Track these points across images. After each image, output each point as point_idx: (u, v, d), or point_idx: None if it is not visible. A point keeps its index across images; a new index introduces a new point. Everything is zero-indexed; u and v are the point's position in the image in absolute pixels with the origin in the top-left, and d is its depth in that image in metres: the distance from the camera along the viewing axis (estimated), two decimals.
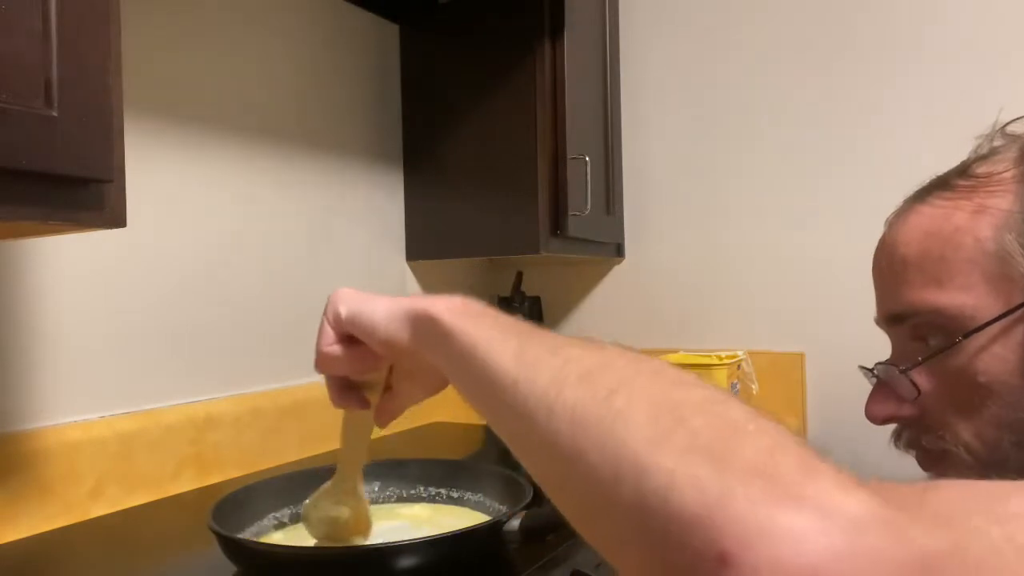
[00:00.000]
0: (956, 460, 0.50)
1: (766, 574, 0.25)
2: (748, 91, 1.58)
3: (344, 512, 0.66)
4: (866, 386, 0.60)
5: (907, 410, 0.53)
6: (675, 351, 1.59)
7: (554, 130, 1.41)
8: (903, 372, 0.52)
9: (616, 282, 1.73)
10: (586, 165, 1.43)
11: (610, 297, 1.73)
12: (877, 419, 0.55)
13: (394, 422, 0.61)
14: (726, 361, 1.40)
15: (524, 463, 0.38)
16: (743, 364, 1.47)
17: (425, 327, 0.48)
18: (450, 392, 0.51)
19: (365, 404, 0.58)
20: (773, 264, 1.56)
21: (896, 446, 0.57)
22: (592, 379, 0.35)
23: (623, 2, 1.68)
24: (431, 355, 0.48)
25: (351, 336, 0.54)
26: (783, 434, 0.30)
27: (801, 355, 1.52)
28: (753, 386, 1.47)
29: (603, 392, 0.33)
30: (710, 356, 1.45)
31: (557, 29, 1.40)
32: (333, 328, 0.55)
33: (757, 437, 0.29)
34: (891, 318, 0.55)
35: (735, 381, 1.44)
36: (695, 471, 0.28)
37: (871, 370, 0.58)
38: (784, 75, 1.55)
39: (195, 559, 0.83)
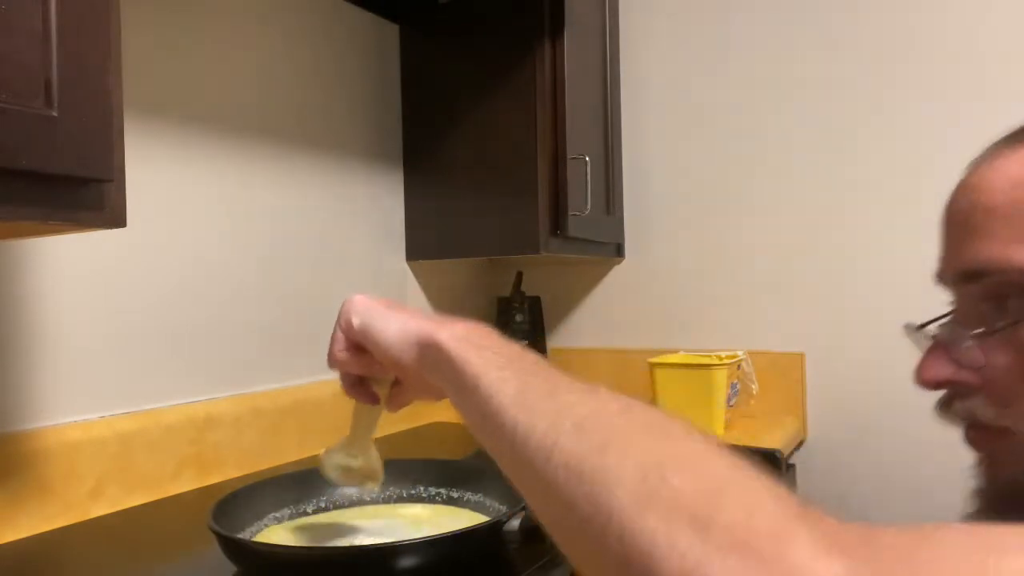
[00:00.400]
0: (1016, 444, 0.45)
1: None
2: (748, 91, 1.58)
3: (356, 461, 0.71)
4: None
5: (968, 377, 0.47)
6: (675, 351, 1.59)
7: (554, 130, 1.41)
8: (976, 337, 0.46)
9: (616, 282, 1.73)
10: (586, 165, 1.43)
11: (610, 297, 1.73)
12: (930, 383, 0.49)
13: (396, 420, 0.65)
14: (726, 361, 1.40)
15: (521, 494, 0.40)
16: (743, 364, 1.47)
17: (431, 354, 0.49)
18: None
19: (375, 399, 0.63)
20: (773, 264, 1.56)
21: (941, 415, 0.50)
22: (586, 431, 0.36)
23: (623, 2, 1.68)
24: (436, 380, 0.50)
25: (361, 344, 0.56)
26: (764, 490, 0.31)
27: (801, 355, 1.52)
28: (753, 386, 1.47)
29: (596, 445, 0.35)
30: (710, 356, 1.45)
31: (557, 29, 1.40)
32: (345, 335, 0.57)
33: (738, 496, 0.30)
34: (963, 274, 0.47)
35: (735, 381, 1.44)
36: (676, 537, 0.29)
37: (921, 328, 0.52)
38: (784, 75, 1.55)
39: (195, 559, 0.83)
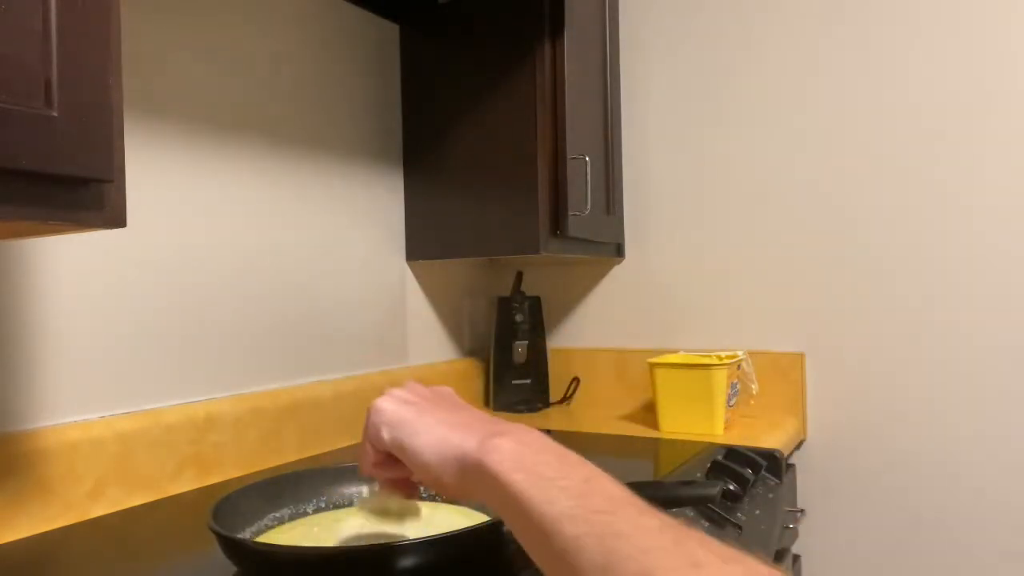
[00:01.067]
0: None
1: None
2: (748, 91, 1.58)
3: (392, 505, 0.68)
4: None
5: None
6: (675, 351, 1.59)
7: (554, 130, 1.41)
8: None
9: (616, 282, 1.73)
10: (586, 165, 1.43)
11: (610, 297, 1.73)
12: None
13: None
14: (726, 361, 1.40)
15: None
16: (743, 364, 1.47)
17: (477, 478, 0.46)
18: None
19: (415, 493, 0.63)
20: (773, 264, 1.56)
21: None
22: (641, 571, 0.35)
23: (623, 2, 1.68)
24: (486, 502, 0.47)
25: (393, 456, 0.54)
26: None
27: (801, 355, 1.52)
28: (753, 386, 1.47)
29: None
30: (710, 356, 1.45)
31: (557, 29, 1.40)
32: (376, 448, 0.54)
33: None
34: None
35: (735, 381, 1.44)
36: None
37: None
38: (784, 75, 1.55)
39: (195, 559, 0.83)
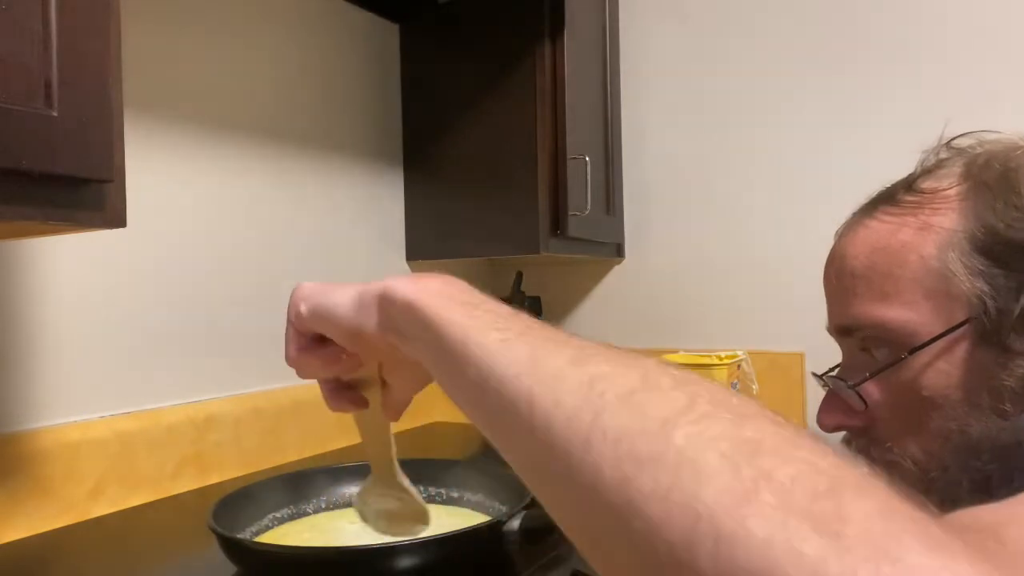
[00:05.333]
0: (903, 471, 0.51)
1: None
2: (748, 91, 1.58)
3: (392, 504, 0.61)
4: None
5: (856, 420, 0.54)
6: (675, 351, 1.59)
7: (554, 130, 1.41)
8: (851, 387, 0.53)
9: (616, 282, 1.73)
10: (586, 165, 1.43)
11: (610, 297, 1.73)
12: (827, 428, 0.56)
13: (395, 423, 0.57)
14: (726, 361, 1.40)
15: (547, 504, 0.30)
16: (743, 364, 1.47)
17: (399, 315, 0.39)
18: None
19: (362, 404, 0.52)
20: (773, 264, 1.56)
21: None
22: (636, 404, 0.28)
23: (623, 2, 1.68)
24: (407, 348, 0.40)
25: (320, 335, 0.47)
26: (879, 485, 0.24)
27: (801, 355, 1.52)
28: (753, 386, 1.47)
29: (655, 422, 0.26)
30: (710, 356, 1.45)
31: (557, 29, 1.40)
32: (298, 329, 0.47)
33: (859, 496, 0.24)
34: (840, 329, 0.56)
35: (735, 381, 1.44)
36: (801, 544, 0.22)
37: (821, 378, 0.59)
38: (784, 75, 1.55)
39: (195, 559, 0.83)
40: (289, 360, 0.48)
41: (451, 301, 0.37)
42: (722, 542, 0.23)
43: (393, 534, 0.63)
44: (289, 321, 0.47)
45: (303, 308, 0.46)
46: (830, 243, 0.60)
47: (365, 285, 0.43)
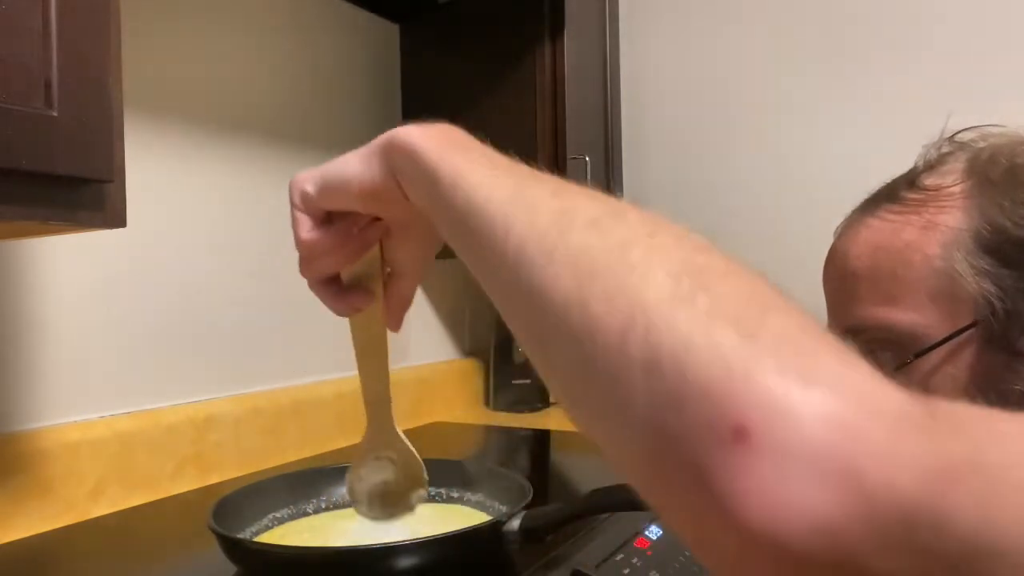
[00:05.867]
0: None
1: (790, 458, 0.22)
2: (748, 91, 1.58)
3: (389, 472, 0.58)
4: None
5: None
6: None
7: (554, 130, 1.41)
8: None
9: None
10: (586, 165, 1.43)
11: None
12: None
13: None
14: None
15: (511, 319, 0.33)
16: None
17: (403, 160, 0.41)
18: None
19: (368, 298, 0.51)
20: (773, 265, 1.55)
21: None
22: (602, 228, 0.30)
23: (623, 2, 1.68)
24: (413, 193, 0.41)
25: (328, 217, 0.46)
26: (810, 318, 0.27)
27: None
28: None
29: (614, 242, 0.29)
30: None
31: (557, 29, 1.40)
32: (305, 211, 0.46)
33: (786, 313, 0.27)
34: (843, 331, 0.54)
35: None
36: (719, 336, 0.24)
37: None
38: (785, 75, 1.55)
39: (195, 559, 0.83)
40: (300, 244, 0.47)
41: (449, 144, 0.40)
42: (651, 331, 0.25)
43: (389, 516, 0.59)
44: (294, 206, 0.46)
45: (309, 187, 0.45)
46: (830, 243, 0.59)
47: (368, 144, 0.44)
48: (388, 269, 0.51)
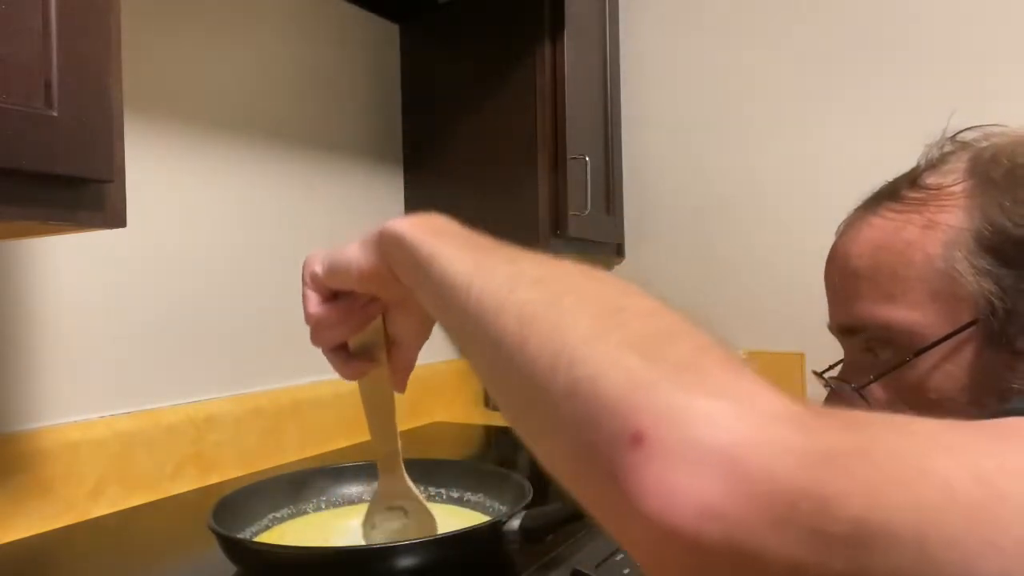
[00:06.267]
0: None
1: (676, 455, 0.26)
2: (748, 91, 1.58)
3: (401, 521, 0.64)
4: None
5: None
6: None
7: (554, 130, 1.41)
8: (855, 390, 0.52)
9: None
10: (586, 165, 1.43)
11: None
12: None
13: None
14: None
15: (471, 362, 0.40)
16: None
17: (390, 245, 0.47)
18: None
19: (372, 364, 0.57)
20: (773, 264, 1.56)
21: None
22: (544, 284, 0.36)
23: (623, 2, 1.68)
24: (399, 272, 0.47)
25: (335, 294, 0.53)
26: (716, 343, 0.31)
27: (801, 355, 1.52)
28: None
29: (552, 295, 0.35)
30: None
31: (557, 29, 1.40)
32: (314, 289, 0.53)
33: (689, 340, 0.31)
34: (844, 329, 0.55)
35: None
36: (626, 362, 0.29)
37: (823, 377, 0.58)
38: (784, 75, 1.55)
39: (195, 559, 0.83)
40: (309, 318, 0.53)
41: (429, 230, 0.46)
42: (573, 364, 0.30)
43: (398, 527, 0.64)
44: (305, 284, 0.53)
45: (318, 268, 0.52)
46: (830, 243, 0.59)
47: (366, 233, 0.50)
48: (391, 339, 0.56)
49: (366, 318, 0.54)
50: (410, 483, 0.63)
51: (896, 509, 0.25)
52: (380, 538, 0.65)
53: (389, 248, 0.47)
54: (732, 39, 1.60)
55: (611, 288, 0.35)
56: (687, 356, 0.30)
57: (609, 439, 0.28)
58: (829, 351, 0.61)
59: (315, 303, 0.52)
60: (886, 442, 0.27)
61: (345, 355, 0.57)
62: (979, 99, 1.35)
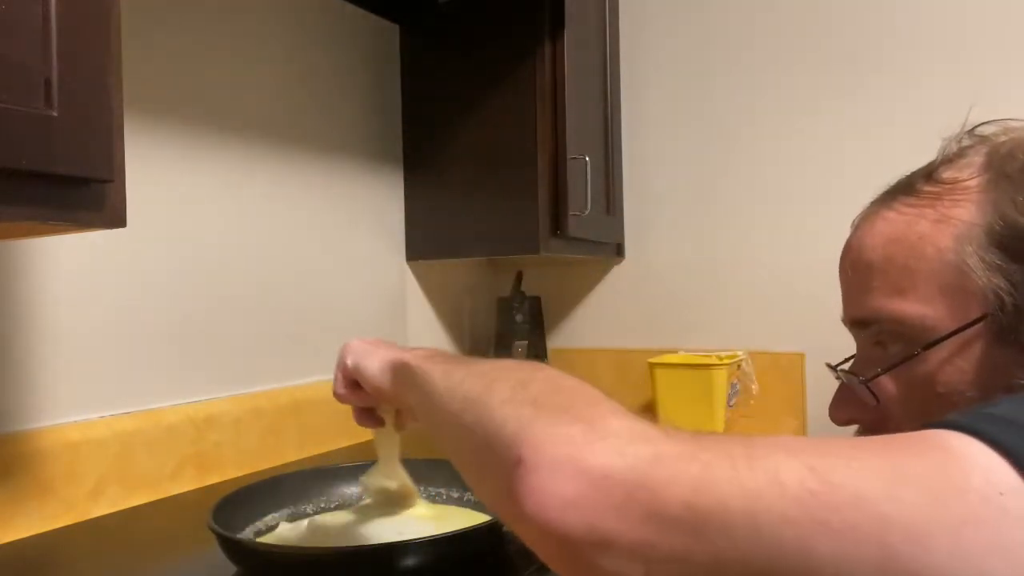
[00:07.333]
0: None
1: (543, 467, 0.35)
2: (748, 91, 1.58)
3: (392, 484, 0.78)
4: None
5: (868, 415, 0.54)
6: (675, 351, 1.59)
7: (554, 130, 1.41)
8: (862, 382, 0.52)
9: (616, 282, 1.73)
10: (586, 165, 1.43)
11: (610, 297, 1.73)
12: (838, 421, 0.56)
13: (400, 466, 0.78)
14: (726, 361, 1.40)
15: (439, 445, 0.49)
16: (743, 364, 1.47)
17: (400, 372, 0.59)
18: None
19: (380, 422, 0.72)
20: (773, 264, 1.56)
21: None
22: (485, 375, 0.46)
23: (623, 2, 1.68)
24: (406, 395, 0.58)
25: (357, 381, 0.65)
26: (594, 395, 0.40)
27: (801, 355, 1.52)
28: (753, 386, 1.48)
29: (488, 381, 0.45)
30: (710, 356, 1.45)
31: (557, 29, 1.40)
32: (343, 375, 0.66)
33: (571, 394, 0.40)
34: (855, 322, 0.55)
35: (735, 381, 1.44)
36: (520, 413, 0.39)
37: (835, 369, 0.58)
38: (784, 76, 1.55)
39: (195, 559, 0.83)
40: (337, 396, 0.68)
41: (427, 359, 0.55)
42: (490, 422, 0.41)
43: (381, 507, 0.79)
44: (338, 367, 0.67)
45: (349, 362, 0.65)
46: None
47: (387, 354, 0.62)
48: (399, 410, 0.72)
49: (378, 403, 0.69)
50: (403, 471, 0.78)
51: (724, 495, 0.32)
52: (375, 489, 0.79)
53: (398, 373, 0.59)
54: (733, 38, 1.60)
55: (532, 373, 0.44)
56: (563, 403, 0.39)
57: (505, 466, 0.37)
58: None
59: (342, 385, 0.67)
60: (719, 447, 0.34)
61: (362, 410, 0.71)
62: (996, 92, 1.35)
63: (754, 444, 0.34)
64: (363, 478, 0.79)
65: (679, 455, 0.34)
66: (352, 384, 0.66)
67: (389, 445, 0.75)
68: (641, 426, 0.36)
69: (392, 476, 0.78)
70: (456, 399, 0.46)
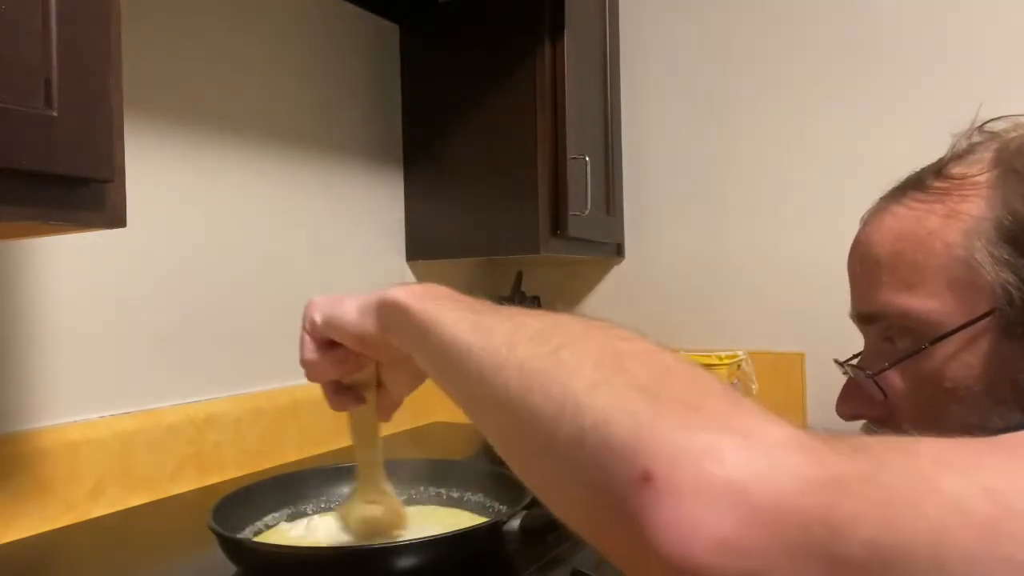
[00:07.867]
0: None
1: (686, 491, 0.27)
2: (748, 91, 1.58)
3: (377, 510, 0.68)
4: None
5: (876, 410, 0.54)
6: (675, 351, 1.58)
7: (554, 130, 1.41)
8: (869, 376, 0.52)
9: (616, 282, 1.73)
10: (586, 165, 1.43)
11: (610, 297, 1.73)
12: (845, 416, 0.56)
13: (395, 421, 0.63)
14: (726, 361, 1.40)
15: (475, 421, 0.40)
16: (743, 364, 1.47)
17: (389, 313, 0.49)
18: None
19: (361, 400, 0.60)
20: (773, 264, 1.56)
21: None
22: (542, 337, 0.37)
23: (623, 2, 1.68)
24: (397, 339, 0.49)
25: (330, 340, 0.55)
26: (714, 381, 0.33)
27: (801, 355, 1.52)
28: (753, 386, 1.47)
29: (551, 348, 0.36)
30: (710, 356, 1.45)
31: (557, 29, 1.40)
32: (311, 336, 0.56)
33: (687, 378, 0.33)
34: (863, 317, 0.55)
35: (735, 381, 1.44)
36: (629, 406, 0.30)
37: (843, 365, 0.58)
38: (785, 75, 1.55)
39: (195, 559, 0.83)
40: (304, 363, 0.56)
41: (427, 297, 0.47)
42: (580, 413, 0.31)
43: (371, 540, 0.69)
44: (304, 330, 0.56)
45: (317, 317, 0.54)
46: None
47: (367, 295, 0.52)
48: (381, 383, 0.60)
49: (357, 367, 0.57)
50: (387, 486, 0.68)
51: (910, 530, 0.25)
52: (355, 525, 0.69)
53: (388, 315, 0.49)
54: (733, 38, 1.60)
55: (607, 335, 0.37)
56: (687, 394, 0.31)
57: (620, 482, 0.28)
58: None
59: (310, 349, 0.56)
60: (893, 464, 0.27)
61: (335, 388, 0.60)
62: (1006, 89, 1.35)
63: (919, 454, 0.28)
64: (340, 510, 0.71)
65: (858, 477, 0.26)
66: (324, 347, 0.55)
67: (369, 435, 0.64)
68: (800, 435, 0.28)
69: (375, 497, 0.68)
70: (505, 369, 0.36)
